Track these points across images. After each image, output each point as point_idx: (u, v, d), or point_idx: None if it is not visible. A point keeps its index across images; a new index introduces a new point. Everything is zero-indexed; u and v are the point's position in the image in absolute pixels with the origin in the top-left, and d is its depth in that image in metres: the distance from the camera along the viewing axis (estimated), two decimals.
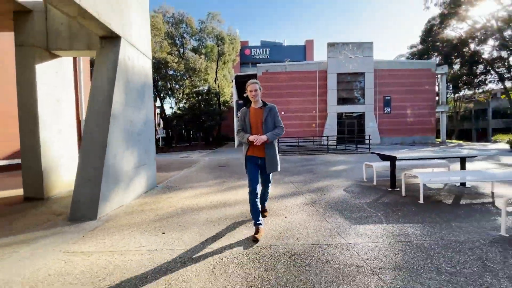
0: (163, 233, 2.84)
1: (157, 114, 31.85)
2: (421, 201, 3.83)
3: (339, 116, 22.52)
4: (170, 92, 25.84)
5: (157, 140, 29.02)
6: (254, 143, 2.64)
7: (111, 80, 3.89)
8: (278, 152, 2.85)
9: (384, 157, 4.85)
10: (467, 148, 15.78)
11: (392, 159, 4.61)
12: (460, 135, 43.94)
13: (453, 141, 27.48)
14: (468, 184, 4.84)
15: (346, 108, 22.42)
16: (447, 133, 42.86)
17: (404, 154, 4.99)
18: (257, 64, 22.54)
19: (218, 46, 25.06)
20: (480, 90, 34.71)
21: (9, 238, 2.82)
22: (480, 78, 30.24)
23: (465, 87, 33.35)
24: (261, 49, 55.30)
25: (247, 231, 2.83)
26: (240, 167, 8.29)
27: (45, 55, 4.71)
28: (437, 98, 29.83)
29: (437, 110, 24.22)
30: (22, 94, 4.51)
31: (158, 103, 28.48)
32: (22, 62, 4.50)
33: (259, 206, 2.76)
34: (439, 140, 25.28)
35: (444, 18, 14.91)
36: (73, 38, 4.69)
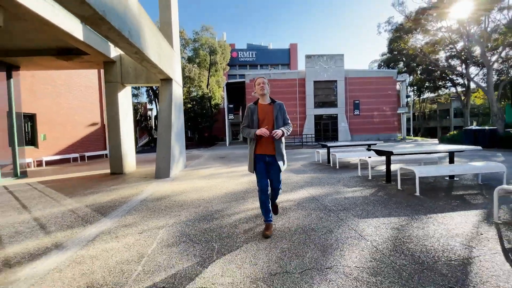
0: (209, 179, 6.09)
1: (154, 116, 34.41)
2: (337, 167, 7.27)
3: (316, 117, 26.22)
4: None
5: (154, 140, 31.65)
6: (274, 136, 2.54)
7: (169, 104, 7.06)
8: None
9: (323, 146, 8.29)
10: (416, 143, 19.87)
11: (327, 147, 8.06)
12: (427, 133, 49.20)
13: (414, 137, 31.98)
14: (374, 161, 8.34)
15: (322, 111, 26.15)
16: (414, 131, 48.18)
17: (336, 144, 8.45)
18: (245, 74, 25.77)
19: (210, 56, 28.11)
20: (439, 93, 39.71)
21: (136, 183, 5.96)
22: (439, 83, 35.06)
23: (427, 90, 38.22)
24: (247, 52, 57.78)
25: (247, 178, 6.12)
26: (237, 157, 11.55)
27: (121, 87, 7.78)
28: (408, 99, 34.55)
29: (398, 111, 28.48)
30: (110, 111, 7.58)
31: (152, 106, 31.16)
32: (109, 92, 7.58)
33: (269, 205, 2.79)
34: (401, 137, 29.59)
35: (391, 41, 18.98)
36: (137, 76, 7.79)
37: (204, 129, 29.93)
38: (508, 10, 13.42)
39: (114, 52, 7.52)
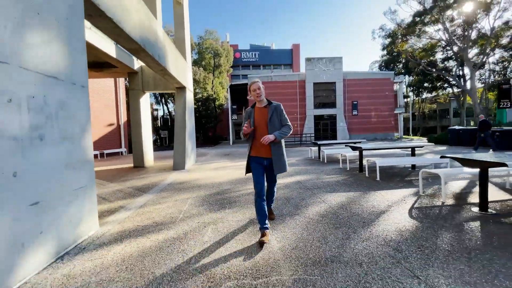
0: (217, 170, 7.43)
1: (160, 116, 35.91)
2: (325, 161, 8.55)
3: (316, 117, 27.43)
4: (172, 98, 30.12)
5: (161, 139, 33.14)
6: (262, 142, 2.54)
7: (183, 108, 8.41)
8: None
9: (315, 144, 9.57)
10: (409, 141, 21.03)
11: (318, 145, 9.34)
12: (426, 133, 49.97)
13: (410, 136, 33.01)
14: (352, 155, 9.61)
15: (321, 111, 27.34)
16: (414, 130, 49.09)
17: (325, 142, 9.73)
18: (248, 76, 27.06)
19: (214, 58, 29.48)
20: (439, 93, 40.60)
21: (158, 173, 7.32)
22: (438, 84, 36.01)
23: (425, 91, 39.18)
24: (250, 53, 58.18)
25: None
26: (240, 154, 12.87)
27: (142, 93, 9.16)
28: (407, 99, 35.63)
29: (395, 111, 29.53)
30: (133, 114, 8.96)
31: (159, 107, 32.61)
32: (133, 98, 8.95)
33: (266, 209, 2.66)
34: (398, 136, 30.66)
35: (386, 47, 20.27)
36: (156, 85, 9.15)
37: (209, 129, 31.30)
38: (502, 13, 14.43)
39: (137, 64, 8.89)
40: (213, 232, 2.87)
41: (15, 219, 1.97)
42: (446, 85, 34.76)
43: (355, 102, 27.93)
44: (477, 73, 32.01)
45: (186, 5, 8.87)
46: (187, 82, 8.86)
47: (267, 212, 2.70)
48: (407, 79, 41.71)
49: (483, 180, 3.22)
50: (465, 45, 14.76)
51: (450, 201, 3.74)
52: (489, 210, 3.25)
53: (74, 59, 2.77)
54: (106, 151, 14.43)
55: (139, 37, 4.61)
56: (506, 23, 14.68)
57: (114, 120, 15.59)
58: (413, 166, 6.57)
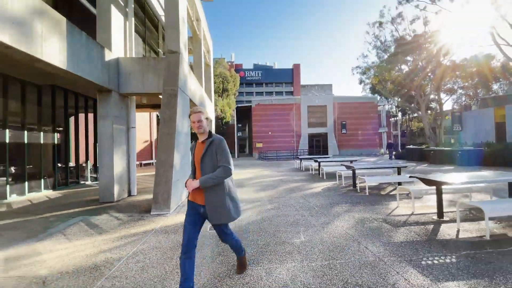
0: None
1: None
2: (303, 169, 12.89)
3: (310, 136, 31.89)
4: None
5: None
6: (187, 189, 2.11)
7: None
8: (227, 194, 2.16)
9: (298, 158, 13.94)
10: (379, 157, 25.25)
11: (300, 158, 13.71)
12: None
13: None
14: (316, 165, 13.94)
15: (314, 130, 31.83)
16: (401, 147, 53.28)
17: (306, 156, 14.11)
18: (252, 100, 31.88)
19: (223, 84, 34.55)
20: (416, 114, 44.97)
21: None
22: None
23: (409, 112, 43.77)
24: (254, 72, 62.82)
25: (253, 174, 11.78)
26: (245, 164, 17.23)
27: None
28: (396, 118, 40.32)
29: (379, 131, 33.94)
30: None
31: None
32: None
33: (188, 270, 2.02)
34: (382, 151, 34.85)
35: (361, 81, 25.12)
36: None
37: None
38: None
39: None
40: (243, 174, 7.24)
41: (178, 186, 6.36)
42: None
43: (344, 122, 32.44)
44: (454, 96, 36.79)
45: (212, 65, 13.60)
46: (212, 116, 13.43)
47: (191, 274, 2.02)
48: (396, 99, 46.41)
49: (353, 174, 7.57)
50: (418, 84, 19.38)
51: (345, 185, 8.06)
52: (356, 187, 7.56)
53: (187, 121, 7.28)
54: (143, 162, 18.87)
55: (198, 102, 9.17)
56: (448, 66, 19.41)
57: (148, 138, 20.15)
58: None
